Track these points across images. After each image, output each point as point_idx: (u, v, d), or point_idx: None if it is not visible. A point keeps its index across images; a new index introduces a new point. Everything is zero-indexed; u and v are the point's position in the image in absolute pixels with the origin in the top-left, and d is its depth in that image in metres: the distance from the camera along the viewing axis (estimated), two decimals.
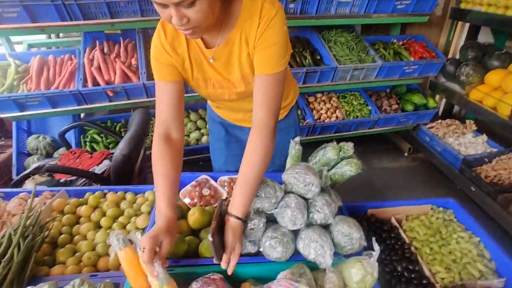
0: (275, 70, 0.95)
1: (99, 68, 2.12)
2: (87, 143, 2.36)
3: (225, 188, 1.36)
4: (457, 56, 2.90)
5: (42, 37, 2.52)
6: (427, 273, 1.03)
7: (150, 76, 2.19)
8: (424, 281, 1.00)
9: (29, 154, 2.33)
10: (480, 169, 2.44)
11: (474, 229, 1.19)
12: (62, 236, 1.14)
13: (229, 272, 0.89)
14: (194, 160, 2.64)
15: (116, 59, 2.18)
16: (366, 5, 2.35)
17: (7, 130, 2.72)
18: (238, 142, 1.42)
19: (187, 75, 1.05)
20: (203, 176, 1.39)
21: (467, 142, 2.70)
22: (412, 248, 1.12)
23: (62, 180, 1.89)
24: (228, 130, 1.44)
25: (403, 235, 1.18)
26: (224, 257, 0.88)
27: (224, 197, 1.32)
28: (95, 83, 2.08)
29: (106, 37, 2.35)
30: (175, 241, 0.92)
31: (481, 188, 2.30)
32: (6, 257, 0.91)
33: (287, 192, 1.04)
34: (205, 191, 1.32)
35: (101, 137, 2.37)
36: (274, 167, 1.42)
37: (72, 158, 2.08)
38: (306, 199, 1.04)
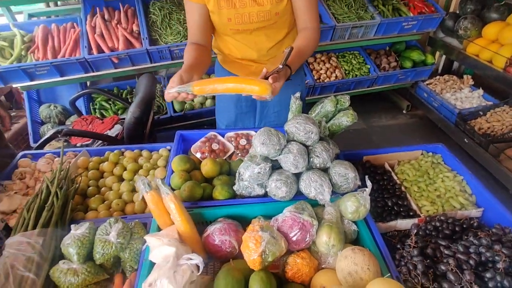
0: None
1: (102, 35, 2.17)
2: (96, 110, 2.46)
3: (232, 142, 1.48)
4: (457, 11, 2.88)
5: (41, 6, 2.53)
6: (414, 206, 1.17)
7: (152, 42, 2.24)
8: (411, 213, 1.15)
9: (42, 123, 2.44)
10: (474, 122, 2.54)
11: (459, 170, 1.31)
12: (90, 188, 1.29)
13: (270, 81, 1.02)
14: (199, 123, 2.75)
15: (118, 26, 2.21)
16: None
17: (17, 101, 2.81)
18: (248, 101, 1.51)
19: None
20: (212, 133, 1.50)
21: (464, 97, 2.78)
22: (402, 188, 1.26)
23: (78, 145, 2.03)
24: None
25: (394, 177, 1.31)
26: (273, 76, 1.03)
27: (232, 150, 1.44)
28: (100, 50, 2.14)
29: (105, 4, 2.36)
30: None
31: (474, 139, 2.42)
32: (48, 203, 1.05)
33: (289, 141, 1.15)
34: (215, 146, 1.44)
35: (109, 104, 2.47)
36: (280, 122, 1.53)
37: (85, 124, 2.19)
38: (306, 146, 1.15)
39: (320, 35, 1.28)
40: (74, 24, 2.24)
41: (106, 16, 2.25)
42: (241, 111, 1.54)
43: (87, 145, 1.97)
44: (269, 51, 1.34)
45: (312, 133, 1.12)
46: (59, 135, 1.67)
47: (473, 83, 2.89)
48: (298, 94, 1.37)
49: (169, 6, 2.36)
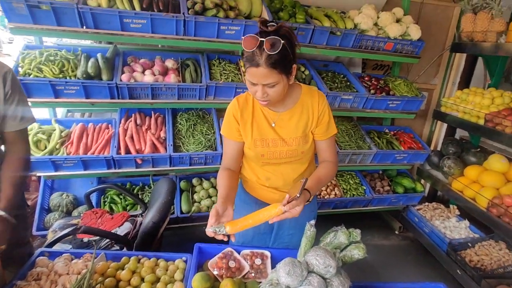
0: (334, 132, 1.46)
1: (131, 138, 2.40)
2: (106, 203, 2.52)
3: (247, 261, 1.54)
4: (439, 148, 3.33)
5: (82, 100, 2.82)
6: None
7: (175, 148, 2.47)
8: None
9: (48, 210, 2.46)
10: (464, 253, 2.67)
11: None
12: None
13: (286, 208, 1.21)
14: (201, 225, 2.80)
15: (147, 131, 2.48)
16: (364, 102, 2.80)
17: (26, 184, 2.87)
18: (266, 223, 1.63)
19: (247, 136, 1.41)
20: (228, 249, 1.57)
21: (452, 226, 2.97)
22: None
23: (85, 240, 2.03)
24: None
25: None
26: (291, 203, 1.21)
27: (247, 270, 1.49)
28: (127, 150, 2.34)
29: (138, 109, 2.68)
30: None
31: (466, 272, 2.51)
32: None
33: (309, 272, 1.24)
34: (231, 263, 1.49)
35: (120, 199, 2.55)
36: (293, 243, 1.64)
37: (94, 218, 2.23)
38: (324, 279, 1.24)
39: (337, 166, 1.52)
40: (109, 125, 2.49)
41: (138, 121, 2.54)
42: (259, 232, 1.66)
43: (94, 241, 1.99)
44: (293, 180, 1.54)
45: (331, 267, 1.22)
46: (78, 232, 1.70)
47: (459, 213, 3.13)
48: (313, 222, 1.51)
49: (194, 118, 2.68)
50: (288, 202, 1.24)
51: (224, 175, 1.42)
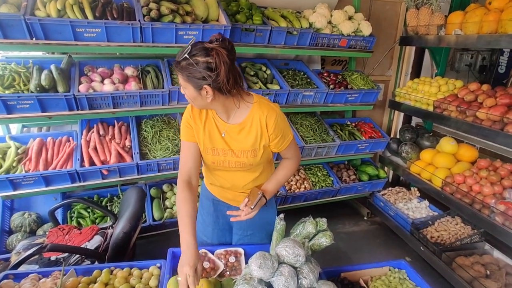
0: (289, 140, 1.47)
1: (95, 149, 2.34)
2: (73, 218, 2.44)
3: (222, 260, 1.58)
4: (398, 136, 3.55)
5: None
6: None
7: (142, 156, 2.44)
8: None
9: (10, 232, 2.34)
10: (426, 230, 2.87)
11: (422, 285, 1.51)
12: None
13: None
14: (175, 230, 2.78)
15: (112, 141, 2.42)
16: (325, 97, 2.92)
17: None
18: (225, 218, 1.67)
19: (200, 141, 1.43)
20: (202, 250, 1.60)
21: (414, 207, 3.18)
22: None
23: (53, 258, 1.96)
24: (218, 207, 1.69)
25: None
26: (247, 209, 1.37)
27: (222, 268, 1.53)
28: (92, 162, 2.28)
29: (100, 119, 2.61)
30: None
31: (428, 247, 2.70)
32: None
33: (280, 263, 1.30)
34: (206, 264, 1.52)
35: (88, 212, 2.48)
36: (253, 242, 1.69)
37: (61, 235, 2.15)
38: (295, 268, 1.31)
39: (299, 161, 1.61)
40: (70, 138, 2.41)
41: (101, 131, 2.47)
42: (219, 227, 1.71)
43: (62, 259, 1.92)
44: (244, 186, 1.56)
45: (300, 256, 1.29)
46: (44, 251, 1.64)
47: (419, 194, 3.35)
48: (282, 216, 1.58)
49: (159, 124, 2.66)
50: (245, 205, 1.38)
51: (188, 200, 1.35)
